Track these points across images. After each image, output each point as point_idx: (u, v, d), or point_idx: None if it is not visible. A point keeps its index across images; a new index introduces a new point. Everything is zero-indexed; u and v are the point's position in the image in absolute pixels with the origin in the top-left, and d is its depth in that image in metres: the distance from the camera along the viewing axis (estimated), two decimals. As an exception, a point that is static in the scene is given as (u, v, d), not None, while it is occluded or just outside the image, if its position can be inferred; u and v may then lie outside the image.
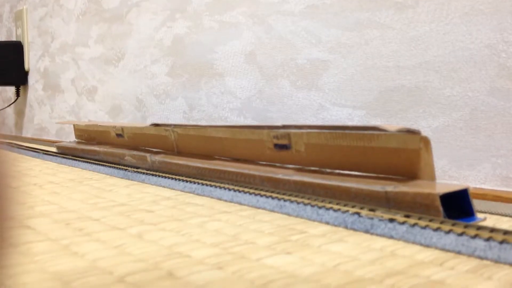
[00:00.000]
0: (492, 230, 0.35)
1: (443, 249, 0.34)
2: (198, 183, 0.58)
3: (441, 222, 0.37)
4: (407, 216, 0.39)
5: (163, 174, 0.65)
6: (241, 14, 0.82)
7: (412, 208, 0.42)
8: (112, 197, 0.56)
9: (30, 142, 1.42)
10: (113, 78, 1.18)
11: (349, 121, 0.66)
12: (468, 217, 0.42)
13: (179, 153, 0.75)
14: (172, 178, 0.63)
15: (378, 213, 0.41)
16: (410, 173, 0.47)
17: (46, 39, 1.51)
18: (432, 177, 0.46)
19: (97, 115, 1.25)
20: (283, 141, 0.59)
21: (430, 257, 0.33)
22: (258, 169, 0.58)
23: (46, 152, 1.01)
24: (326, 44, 0.69)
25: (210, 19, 0.89)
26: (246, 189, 0.53)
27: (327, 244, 0.36)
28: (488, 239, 0.33)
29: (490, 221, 0.42)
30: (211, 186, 0.56)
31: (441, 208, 0.40)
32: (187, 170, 0.67)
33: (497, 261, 0.32)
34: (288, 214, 0.46)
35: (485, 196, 0.52)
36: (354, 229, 0.40)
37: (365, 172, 0.51)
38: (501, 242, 0.32)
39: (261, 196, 0.50)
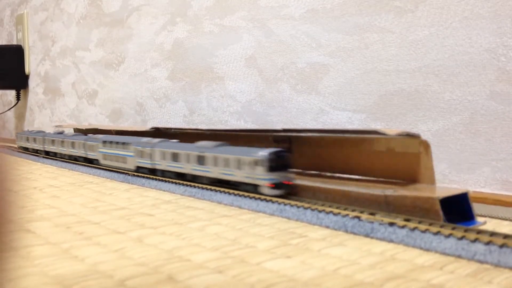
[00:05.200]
0: (492, 234, 0.35)
1: (443, 253, 0.34)
2: (198, 187, 0.58)
3: (441, 226, 0.37)
4: (407, 220, 0.39)
5: (164, 178, 0.65)
6: (241, 18, 0.82)
7: (412, 212, 0.42)
8: (112, 200, 0.56)
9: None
10: (113, 82, 1.19)
11: (349, 124, 0.66)
12: (468, 221, 0.42)
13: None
14: (172, 182, 0.63)
15: (378, 217, 0.41)
16: (410, 177, 0.47)
17: (47, 43, 1.51)
18: (432, 181, 0.46)
19: (98, 118, 1.26)
20: (284, 145, 0.59)
21: (430, 261, 0.33)
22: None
23: (47, 156, 1.01)
24: (326, 48, 0.69)
25: (210, 23, 0.89)
26: (246, 193, 0.53)
27: (327, 248, 0.36)
28: (488, 243, 0.33)
29: (490, 225, 0.42)
30: (211, 190, 0.56)
31: (441, 212, 0.40)
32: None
33: (497, 265, 0.32)
34: (288, 218, 0.46)
35: (485, 200, 0.52)
36: (354, 233, 0.40)
37: (365, 176, 0.51)
38: (501, 246, 0.32)
39: (261, 200, 0.50)
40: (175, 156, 0.62)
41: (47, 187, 0.67)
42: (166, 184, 0.63)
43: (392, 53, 0.61)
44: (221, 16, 0.86)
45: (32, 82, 1.63)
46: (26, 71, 1.64)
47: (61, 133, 0.99)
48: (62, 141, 0.94)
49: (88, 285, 0.29)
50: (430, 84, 0.58)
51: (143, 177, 0.68)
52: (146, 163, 0.69)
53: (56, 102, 1.47)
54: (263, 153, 0.51)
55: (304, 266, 0.32)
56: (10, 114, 1.81)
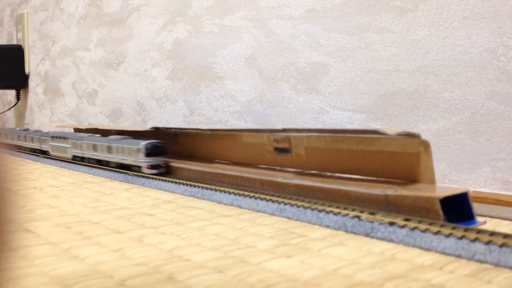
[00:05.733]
0: (492, 233, 0.35)
1: (443, 252, 0.34)
2: (198, 187, 0.58)
3: (441, 226, 0.37)
4: (407, 220, 0.39)
5: (163, 178, 0.65)
6: (242, 18, 0.82)
7: (412, 211, 0.42)
8: (113, 200, 0.56)
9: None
10: (113, 82, 1.19)
11: (349, 124, 0.66)
12: (468, 220, 0.42)
13: (180, 156, 0.75)
14: (172, 182, 0.63)
15: (378, 216, 0.41)
16: (410, 177, 0.47)
17: (47, 43, 1.51)
18: (432, 181, 0.46)
19: (98, 118, 1.26)
20: (283, 145, 0.59)
21: (430, 260, 0.33)
22: (258, 172, 0.58)
23: (46, 156, 1.01)
24: (326, 48, 0.69)
25: (210, 23, 0.89)
26: (246, 193, 0.53)
27: (327, 247, 0.36)
28: (488, 243, 0.33)
29: (490, 224, 0.42)
30: (211, 189, 0.56)
31: (441, 212, 0.40)
32: (187, 173, 0.67)
33: (497, 264, 0.32)
34: (288, 218, 0.46)
35: (485, 199, 0.52)
36: (354, 233, 0.40)
37: (365, 176, 0.51)
38: (501, 246, 0.32)
39: (261, 199, 0.50)
40: (95, 147, 0.80)
41: (47, 187, 0.67)
42: (166, 183, 0.63)
43: (392, 53, 0.61)
44: (221, 16, 0.86)
45: (32, 82, 1.63)
46: (26, 71, 1.64)
47: (26, 129, 1.14)
48: (25, 137, 1.09)
49: (88, 285, 0.29)
50: (430, 84, 0.58)
51: (143, 176, 0.68)
52: (78, 152, 0.86)
53: (56, 102, 1.47)
54: (143, 143, 0.68)
55: (304, 265, 0.32)
56: (10, 114, 1.81)
